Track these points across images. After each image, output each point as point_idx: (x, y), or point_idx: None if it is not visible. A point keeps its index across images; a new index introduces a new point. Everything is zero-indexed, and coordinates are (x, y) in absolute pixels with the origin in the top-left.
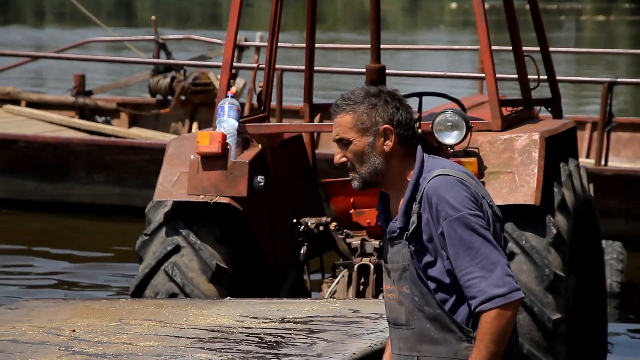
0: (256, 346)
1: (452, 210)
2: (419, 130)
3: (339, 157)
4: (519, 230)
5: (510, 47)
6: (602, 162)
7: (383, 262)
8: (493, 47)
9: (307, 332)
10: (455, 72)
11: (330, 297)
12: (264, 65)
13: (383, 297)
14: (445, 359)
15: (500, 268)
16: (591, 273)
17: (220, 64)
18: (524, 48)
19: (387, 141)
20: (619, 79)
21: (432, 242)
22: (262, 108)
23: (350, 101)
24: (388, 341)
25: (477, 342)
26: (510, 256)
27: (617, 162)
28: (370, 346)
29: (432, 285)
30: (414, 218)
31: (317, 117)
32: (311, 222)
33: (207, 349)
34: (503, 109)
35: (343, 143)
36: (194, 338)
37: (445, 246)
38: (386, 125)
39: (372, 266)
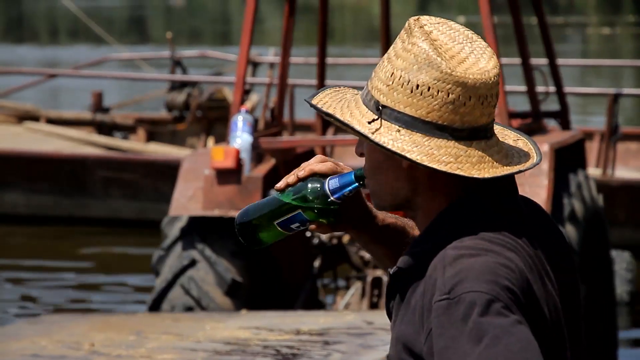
0: (273, 358)
1: None
2: None
3: None
4: None
5: (519, 61)
6: (609, 173)
7: None
8: (501, 61)
9: (322, 344)
10: None
11: (345, 309)
12: (277, 81)
13: None
14: None
15: None
16: (601, 283)
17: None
18: (532, 60)
19: None
20: (624, 91)
21: None
22: (275, 123)
23: None
24: None
25: None
26: None
27: (626, 173)
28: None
29: None
30: None
31: (331, 131)
32: (325, 235)
33: None
34: (512, 121)
35: None
36: (211, 351)
37: None
38: None
39: (385, 278)
